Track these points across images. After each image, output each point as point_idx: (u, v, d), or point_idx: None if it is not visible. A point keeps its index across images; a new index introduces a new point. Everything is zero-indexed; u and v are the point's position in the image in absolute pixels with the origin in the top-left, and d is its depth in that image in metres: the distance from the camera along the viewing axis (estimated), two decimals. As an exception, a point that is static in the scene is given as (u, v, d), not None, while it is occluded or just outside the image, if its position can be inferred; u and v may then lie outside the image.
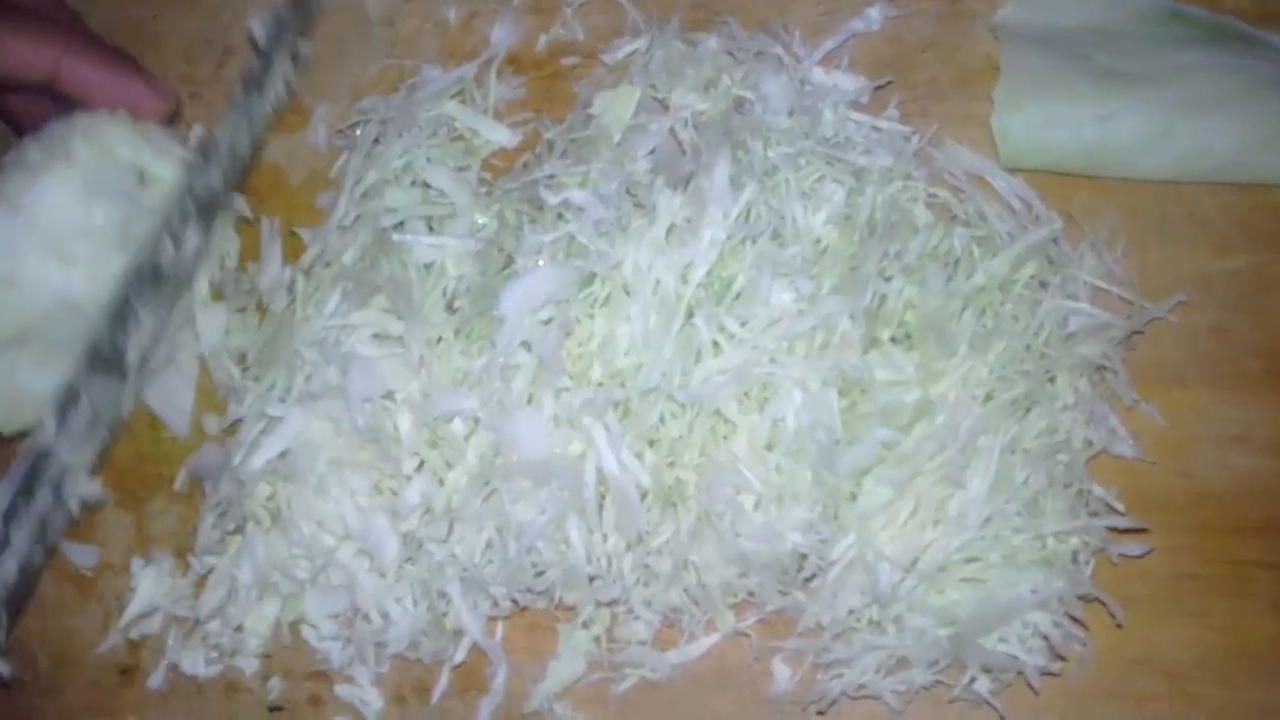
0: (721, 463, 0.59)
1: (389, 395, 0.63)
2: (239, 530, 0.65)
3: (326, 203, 0.70)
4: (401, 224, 0.66)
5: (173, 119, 0.70)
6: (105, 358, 0.64)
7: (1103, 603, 0.59)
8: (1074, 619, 0.59)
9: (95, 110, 0.66)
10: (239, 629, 0.66)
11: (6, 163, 0.65)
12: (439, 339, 0.63)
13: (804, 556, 0.59)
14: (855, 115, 0.65)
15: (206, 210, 0.67)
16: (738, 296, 0.60)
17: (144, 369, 0.66)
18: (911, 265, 0.61)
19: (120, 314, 0.64)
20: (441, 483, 0.62)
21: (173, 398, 0.70)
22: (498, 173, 0.69)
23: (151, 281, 0.65)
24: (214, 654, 0.67)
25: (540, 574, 0.62)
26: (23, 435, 0.65)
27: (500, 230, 0.65)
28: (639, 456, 0.60)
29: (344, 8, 0.73)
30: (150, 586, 0.68)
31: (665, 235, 0.61)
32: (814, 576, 0.60)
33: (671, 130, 0.66)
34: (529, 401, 0.61)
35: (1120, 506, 0.59)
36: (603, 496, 0.60)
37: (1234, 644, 0.60)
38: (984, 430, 0.58)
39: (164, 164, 0.67)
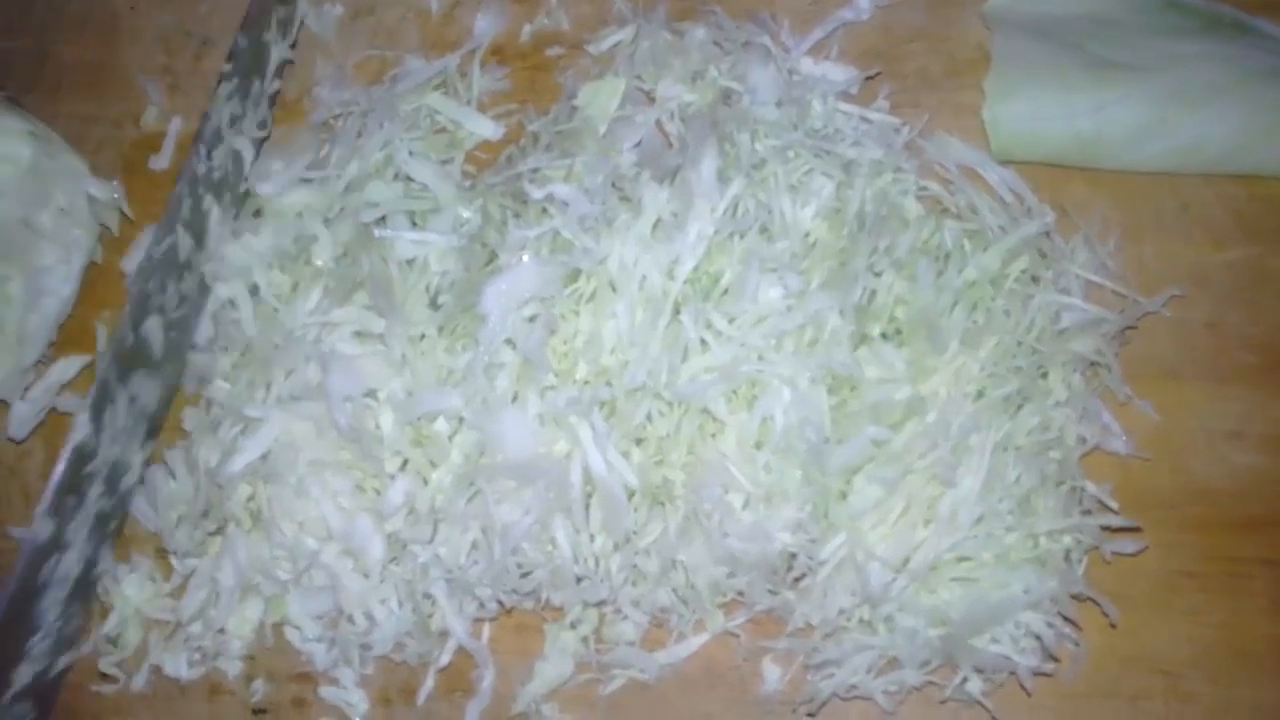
0: (710, 461, 0.58)
1: (371, 394, 0.62)
2: (220, 531, 0.64)
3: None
4: (383, 219, 0.65)
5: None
6: (130, 353, 0.63)
7: (1096, 602, 0.58)
8: (1067, 618, 0.58)
9: None
10: (221, 631, 0.65)
11: None
12: (422, 336, 0.62)
13: (793, 556, 0.59)
14: (844, 106, 0.64)
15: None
16: (725, 292, 0.59)
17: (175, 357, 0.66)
18: (902, 260, 0.60)
19: (137, 309, 0.63)
20: (426, 482, 0.61)
21: None
22: (481, 165, 0.68)
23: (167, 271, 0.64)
24: (196, 656, 0.66)
25: (526, 575, 0.61)
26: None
27: (484, 225, 0.64)
28: (626, 455, 0.59)
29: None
30: (132, 590, 0.67)
31: (651, 230, 0.60)
32: (804, 576, 0.59)
33: (658, 122, 0.65)
34: (514, 400, 0.60)
35: (1113, 504, 0.58)
36: (589, 496, 0.59)
37: (1230, 642, 0.59)
38: (975, 428, 0.57)
39: (6, 142, 0.65)
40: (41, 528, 0.60)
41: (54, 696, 0.65)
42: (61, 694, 0.68)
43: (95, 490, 0.63)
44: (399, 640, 0.63)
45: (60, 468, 0.61)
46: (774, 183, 0.61)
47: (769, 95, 0.64)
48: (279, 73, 0.70)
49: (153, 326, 0.64)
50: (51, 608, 0.62)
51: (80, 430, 0.61)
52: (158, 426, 0.67)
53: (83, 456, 0.62)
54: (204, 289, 0.67)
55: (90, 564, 0.64)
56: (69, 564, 0.63)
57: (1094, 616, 0.59)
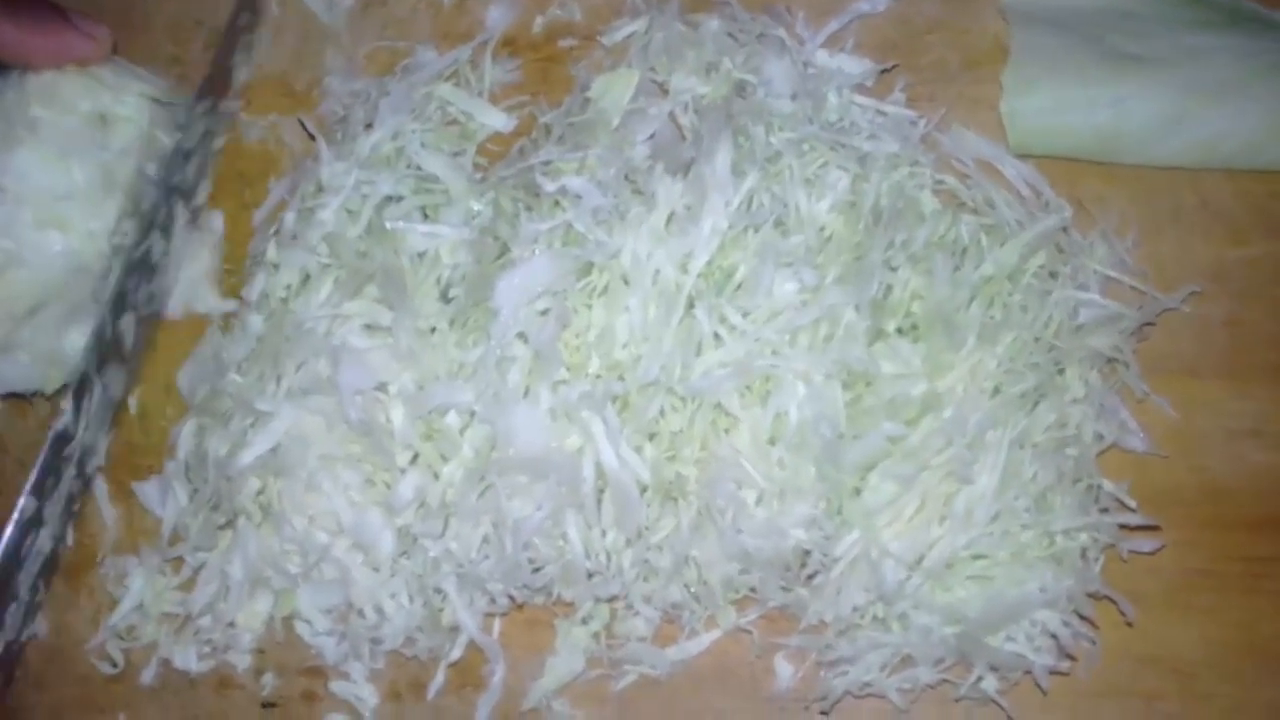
0: (723, 457, 0.58)
1: (381, 387, 0.61)
2: (230, 525, 0.64)
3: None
4: (393, 201, 0.65)
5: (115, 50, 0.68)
6: (108, 346, 0.68)
7: (1112, 600, 0.58)
8: (1083, 617, 0.57)
9: (40, 71, 0.65)
10: (231, 624, 0.65)
11: None
12: (433, 329, 0.62)
13: (807, 553, 0.58)
14: (860, 99, 0.64)
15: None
16: (739, 287, 0.59)
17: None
18: (918, 254, 0.59)
19: (116, 305, 0.68)
20: (436, 477, 0.61)
21: None
22: (493, 158, 0.68)
23: (143, 272, 0.68)
24: (206, 649, 0.66)
25: (538, 570, 0.60)
26: (61, 390, 0.69)
27: (496, 218, 0.63)
28: (638, 450, 0.58)
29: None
30: (141, 583, 0.67)
31: (665, 224, 0.59)
32: (817, 573, 0.59)
33: (671, 115, 0.64)
34: (525, 394, 0.59)
35: (1131, 502, 0.58)
36: (601, 491, 0.59)
37: (1246, 641, 0.59)
38: (992, 424, 0.57)
39: (124, 102, 0.66)
40: (26, 505, 0.66)
41: (14, 669, 0.69)
42: (70, 687, 0.68)
43: (70, 473, 0.68)
44: (409, 635, 0.63)
45: (44, 451, 0.66)
46: (789, 176, 0.60)
47: (784, 88, 0.63)
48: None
49: (127, 322, 0.68)
50: (26, 580, 0.67)
51: (63, 417, 0.66)
52: (119, 414, 0.71)
53: (63, 441, 0.67)
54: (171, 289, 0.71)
55: (59, 540, 0.69)
56: (43, 540, 0.67)
57: (1110, 614, 0.59)
